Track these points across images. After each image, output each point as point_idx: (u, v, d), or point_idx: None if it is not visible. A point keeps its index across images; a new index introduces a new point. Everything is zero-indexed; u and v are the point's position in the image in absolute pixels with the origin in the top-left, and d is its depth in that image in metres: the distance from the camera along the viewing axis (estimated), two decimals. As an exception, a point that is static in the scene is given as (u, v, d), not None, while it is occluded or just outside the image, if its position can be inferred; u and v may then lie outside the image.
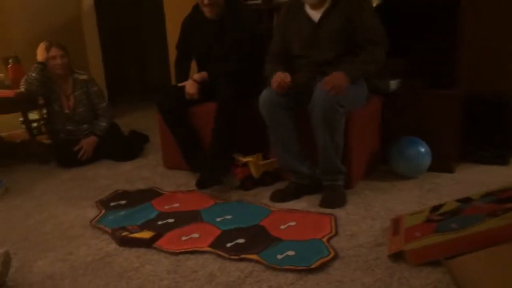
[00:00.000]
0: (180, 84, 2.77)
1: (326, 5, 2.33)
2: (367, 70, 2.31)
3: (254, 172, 2.54)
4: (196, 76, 2.71)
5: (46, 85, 3.21)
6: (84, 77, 3.34)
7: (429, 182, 2.49)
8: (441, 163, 2.59)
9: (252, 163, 2.53)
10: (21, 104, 3.30)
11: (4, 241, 2.07)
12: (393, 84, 2.68)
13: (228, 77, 2.63)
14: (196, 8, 2.76)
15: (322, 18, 2.34)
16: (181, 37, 2.90)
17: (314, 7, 2.35)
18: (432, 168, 2.57)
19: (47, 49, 3.16)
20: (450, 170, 2.61)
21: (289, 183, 2.45)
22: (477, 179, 2.51)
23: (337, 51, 2.33)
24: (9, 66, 3.35)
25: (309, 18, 2.38)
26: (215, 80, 2.68)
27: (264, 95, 2.36)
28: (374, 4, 2.78)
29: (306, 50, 2.40)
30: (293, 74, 2.35)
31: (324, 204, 2.26)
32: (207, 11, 2.65)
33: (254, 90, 2.75)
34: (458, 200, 1.89)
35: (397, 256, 1.70)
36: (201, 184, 2.56)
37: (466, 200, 1.86)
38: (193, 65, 2.95)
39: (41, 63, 3.15)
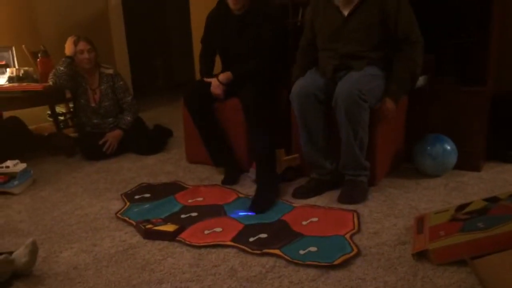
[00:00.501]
0: (206, 80, 2.77)
1: (356, 1, 2.29)
2: (413, 79, 2.30)
3: (277, 167, 2.53)
4: (221, 77, 2.71)
5: (74, 78, 3.27)
6: (110, 71, 3.39)
7: (455, 181, 2.44)
8: (468, 162, 2.54)
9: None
10: (49, 97, 3.37)
11: (31, 232, 2.12)
12: (420, 80, 2.63)
13: (253, 78, 2.63)
14: (221, 2, 2.76)
15: (352, 12, 2.30)
16: (206, 32, 2.91)
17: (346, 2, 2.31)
18: (458, 167, 2.53)
19: (75, 44, 3.22)
20: (476, 168, 2.56)
21: (310, 179, 2.44)
22: (504, 178, 2.45)
23: (365, 45, 2.30)
24: (38, 60, 3.41)
25: (339, 11, 2.34)
26: (240, 81, 2.67)
27: (297, 86, 2.34)
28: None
29: (332, 43, 2.37)
30: (321, 69, 2.34)
31: (342, 199, 2.24)
32: (231, 2, 2.64)
33: (278, 86, 2.75)
34: (485, 199, 1.85)
35: (421, 255, 1.68)
36: (226, 181, 2.56)
37: (493, 200, 1.82)
38: (217, 59, 2.96)
39: (69, 57, 3.21)
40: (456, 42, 2.66)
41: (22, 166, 2.74)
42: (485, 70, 2.54)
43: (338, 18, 2.34)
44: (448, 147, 2.45)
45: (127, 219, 2.18)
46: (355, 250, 1.75)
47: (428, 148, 2.46)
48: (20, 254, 1.71)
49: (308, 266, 1.68)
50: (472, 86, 2.53)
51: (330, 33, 2.37)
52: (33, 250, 1.73)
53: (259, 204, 2.24)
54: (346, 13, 2.32)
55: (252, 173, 2.58)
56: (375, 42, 2.30)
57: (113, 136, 3.27)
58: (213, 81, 2.73)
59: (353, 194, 2.24)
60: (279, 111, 2.71)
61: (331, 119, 2.33)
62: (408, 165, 2.64)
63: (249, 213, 2.17)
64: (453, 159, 2.48)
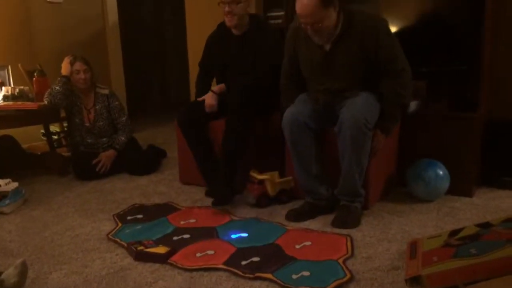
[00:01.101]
0: (199, 99, 2.79)
1: (337, 30, 2.23)
2: (403, 110, 2.32)
3: (270, 190, 2.54)
4: (215, 88, 2.75)
5: (69, 98, 3.28)
6: (106, 91, 3.40)
7: (447, 206, 2.45)
8: (460, 187, 2.56)
9: (269, 180, 2.53)
10: (43, 116, 3.37)
11: (20, 252, 2.09)
12: (413, 105, 2.66)
13: (243, 90, 2.65)
14: (221, 25, 2.80)
15: (333, 46, 2.26)
16: (205, 54, 2.95)
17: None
18: (451, 192, 2.54)
19: (72, 63, 3.24)
20: (469, 194, 2.57)
21: (304, 202, 2.43)
22: (496, 204, 2.46)
23: (352, 80, 2.29)
24: (34, 79, 3.42)
25: (319, 45, 2.29)
26: (230, 92, 2.70)
27: (288, 113, 2.35)
28: (395, 29, 2.79)
29: (318, 76, 2.36)
30: (311, 95, 2.36)
31: (336, 223, 2.24)
32: (227, 20, 2.69)
33: (272, 107, 2.77)
34: (477, 225, 1.86)
35: (414, 281, 1.67)
36: (216, 202, 2.56)
37: (485, 225, 1.82)
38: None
39: (65, 76, 3.22)
40: (448, 69, 2.70)
41: (14, 185, 2.72)
42: (477, 96, 2.58)
43: (319, 53, 2.30)
44: (441, 172, 2.47)
45: (118, 240, 2.16)
46: (348, 275, 1.74)
47: (421, 173, 2.47)
48: (9, 275, 1.68)
49: (301, 290, 1.66)
50: (464, 112, 2.56)
51: (313, 66, 2.35)
52: (23, 271, 1.71)
53: (219, 197, 2.51)
54: (327, 48, 2.28)
55: (246, 195, 2.57)
56: (361, 77, 2.29)
57: (106, 156, 3.26)
58: (208, 94, 2.75)
59: (347, 219, 2.24)
60: (273, 133, 2.71)
61: (326, 146, 2.34)
62: (401, 190, 2.65)
63: (242, 235, 2.16)
64: (445, 184, 2.49)
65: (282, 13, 3.25)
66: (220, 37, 2.83)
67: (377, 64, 2.25)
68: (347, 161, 2.22)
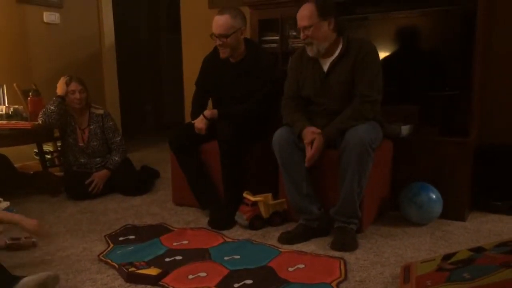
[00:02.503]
0: (193, 121, 2.81)
1: (336, 53, 2.37)
2: (346, 127, 2.29)
3: (264, 212, 2.53)
4: (207, 112, 2.76)
5: (63, 118, 3.28)
6: (100, 111, 3.41)
7: (440, 230, 2.45)
8: (453, 211, 2.57)
9: (262, 202, 2.52)
10: (37, 135, 3.36)
11: (11, 271, 2.05)
12: (405, 129, 2.70)
13: (233, 118, 2.67)
14: (217, 48, 2.83)
15: (330, 69, 2.39)
16: (201, 75, 2.97)
17: (324, 55, 2.39)
18: (444, 216, 2.55)
19: (67, 84, 3.25)
20: (461, 218, 2.58)
21: (297, 225, 2.43)
22: (489, 228, 2.47)
23: (346, 102, 2.36)
24: (28, 98, 3.43)
25: (319, 67, 2.42)
26: (221, 119, 2.71)
27: (278, 134, 2.39)
28: (387, 54, 2.84)
29: (319, 98, 2.44)
30: (310, 120, 2.39)
31: (335, 246, 2.23)
32: (220, 53, 2.72)
33: (265, 131, 2.79)
34: (470, 249, 1.86)
35: (407, 305, 1.67)
36: (215, 225, 2.57)
37: (478, 250, 1.83)
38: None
39: (60, 96, 3.23)
40: (440, 94, 2.74)
41: (5, 204, 2.69)
42: (469, 121, 2.62)
43: (319, 75, 2.41)
44: (433, 196, 2.48)
45: (109, 261, 2.13)
46: (341, 299, 1.73)
47: (414, 196, 2.48)
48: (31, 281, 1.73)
49: (294, 314, 1.65)
50: (456, 137, 2.59)
51: (314, 88, 2.43)
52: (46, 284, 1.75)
53: (218, 221, 2.56)
54: (325, 69, 2.40)
55: (239, 216, 2.56)
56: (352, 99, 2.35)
57: (99, 176, 3.25)
58: (199, 117, 2.76)
59: (346, 242, 2.24)
60: (266, 156, 2.73)
61: (317, 167, 2.36)
62: (394, 213, 2.65)
63: (235, 257, 2.15)
64: (438, 208, 2.50)
65: (277, 37, 3.30)
66: (215, 60, 2.84)
67: (357, 85, 2.32)
68: (348, 181, 2.23)
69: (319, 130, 2.31)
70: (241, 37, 2.71)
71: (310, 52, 2.38)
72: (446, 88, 2.72)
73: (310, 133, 2.31)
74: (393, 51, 2.88)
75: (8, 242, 2.33)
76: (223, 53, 2.72)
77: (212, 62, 2.88)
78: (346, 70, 2.34)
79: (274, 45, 3.33)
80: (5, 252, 2.28)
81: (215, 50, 2.84)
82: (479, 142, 2.73)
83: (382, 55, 2.56)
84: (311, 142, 2.29)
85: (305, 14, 2.31)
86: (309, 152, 2.29)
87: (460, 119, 2.68)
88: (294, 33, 3.22)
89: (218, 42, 2.68)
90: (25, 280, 1.77)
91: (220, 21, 2.64)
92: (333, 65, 2.38)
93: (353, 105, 2.32)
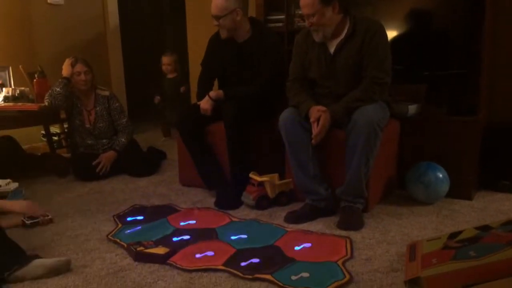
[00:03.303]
0: (199, 102, 2.80)
1: (342, 35, 2.32)
2: (354, 107, 2.26)
3: (270, 192, 2.54)
4: (212, 93, 2.75)
5: (69, 99, 3.29)
6: (106, 93, 3.41)
7: (447, 209, 2.45)
8: (460, 190, 2.56)
9: (268, 183, 2.53)
10: (44, 117, 3.38)
11: (21, 251, 2.09)
12: (412, 108, 2.67)
13: (238, 99, 2.66)
14: None
15: (337, 50, 2.34)
16: (206, 55, 2.95)
17: (331, 37, 2.34)
18: (450, 195, 2.55)
19: (73, 65, 3.25)
20: (468, 197, 2.57)
21: (304, 204, 2.44)
22: (496, 207, 2.47)
23: (351, 85, 2.33)
24: (34, 80, 3.43)
25: (326, 48, 2.38)
26: (227, 100, 2.71)
27: (284, 115, 2.38)
28: (395, 33, 2.80)
29: (325, 80, 2.41)
30: (316, 102, 2.37)
31: (342, 225, 2.24)
32: (220, 34, 2.72)
33: (272, 111, 2.78)
34: (477, 228, 1.86)
35: (413, 283, 1.67)
36: (222, 205, 2.58)
37: (485, 228, 1.83)
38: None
39: (66, 78, 3.23)
40: (448, 72, 2.71)
41: (14, 185, 2.72)
42: (477, 101, 2.59)
43: (326, 56, 2.37)
44: (440, 175, 2.47)
45: (118, 240, 2.16)
46: (348, 277, 1.74)
47: (421, 176, 2.48)
48: (39, 267, 1.79)
49: (300, 292, 1.67)
50: (464, 116, 2.57)
51: (320, 70, 2.40)
52: (58, 269, 1.82)
53: (225, 201, 2.58)
54: (332, 51, 2.35)
55: (245, 197, 2.58)
56: (359, 82, 2.32)
57: (106, 158, 3.26)
58: (205, 98, 2.75)
59: (352, 221, 2.25)
60: (273, 136, 2.72)
61: (324, 147, 2.35)
62: (400, 192, 2.65)
63: (241, 236, 2.16)
64: (445, 187, 2.50)
65: (282, 16, 3.26)
66: (221, 40, 2.81)
67: (364, 70, 2.29)
68: (356, 161, 2.22)
69: (325, 108, 2.29)
70: (237, 18, 2.66)
71: (316, 37, 2.34)
72: (454, 66, 2.69)
73: (316, 111, 2.29)
74: (400, 29, 2.84)
75: (27, 222, 2.37)
76: (222, 34, 2.72)
77: (217, 42, 2.85)
78: (354, 51, 2.30)
79: (280, 24, 3.28)
80: (16, 232, 2.31)
81: None
82: (488, 121, 2.70)
83: (390, 34, 2.52)
84: (317, 120, 2.27)
85: (307, 2, 2.25)
86: (315, 129, 2.27)
87: (468, 98, 2.65)
88: (300, 12, 3.17)
89: (214, 23, 2.67)
90: (37, 261, 1.80)
91: (215, 2, 2.64)
92: (339, 47, 2.33)
93: (361, 87, 2.29)
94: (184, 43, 4.33)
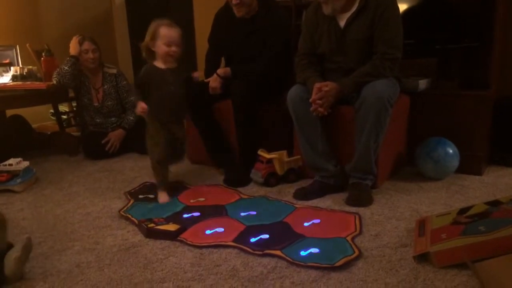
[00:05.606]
0: (206, 80, 2.79)
1: (353, 9, 2.27)
2: (363, 82, 2.22)
3: (279, 169, 2.54)
4: (220, 71, 2.73)
5: (77, 78, 3.29)
6: (114, 71, 3.41)
7: (457, 184, 2.45)
8: (470, 165, 2.55)
9: (277, 160, 2.53)
10: (52, 96, 3.38)
11: (33, 230, 2.12)
12: (422, 83, 2.64)
13: (247, 76, 2.63)
14: (229, 3, 2.76)
15: (347, 25, 2.30)
16: (213, 31, 2.92)
17: (341, 11, 2.30)
18: (460, 170, 2.54)
19: (80, 43, 3.24)
20: (478, 172, 2.56)
21: (313, 181, 2.44)
22: (506, 182, 2.46)
23: (361, 60, 2.28)
24: (42, 59, 3.43)
25: (336, 23, 2.33)
26: (235, 78, 2.68)
27: (292, 92, 2.36)
28: (405, 6, 2.74)
29: (334, 55, 2.37)
30: (324, 78, 2.34)
31: (351, 202, 2.25)
32: (235, 11, 2.66)
33: (280, 87, 2.76)
34: (486, 203, 1.86)
35: (422, 258, 1.68)
36: (231, 183, 2.59)
37: (495, 203, 1.82)
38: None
39: (73, 56, 3.23)
40: (459, 46, 2.66)
41: (25, 164, 2.75)
42: (488, 74, 2.55)
43: (336, 31, 2.33)
44: (450, 151, 2.46)
45: (130, 216, 2.19)
46: (357, 252, 1.75)
47: (430, 151, 2.47)
48: (13, 250, 1.67)
49: (310, 267, 1.68)
50: (475, 90, 2.53)
51: (330, 44, 2.36)
52: (27, 246, 1.70)
53: (233, 179, 2.59)
54: (342, 25, 2.31)
55: (254, 174, 2.58)
56: (369, 57, 2.28)
57: (115, 136, 3.28)
58: (213, 76, 2.74)
59: (361, 197, 2.25)
60: (281, 113, 2.71)
61: (332, 123, 2.34)
62: (410, 168, 2.65)
63: (251, 213, 2.18)
64: (455, 163, 2.48)
65: (291, -10, 3.21)
66: (227, 17, 2.77)
67: (375, 45, 2.24)
68: (365, 137, 2.21)
69: (331, 83, 2.26)
70: None
71: (326, 10, 2.29)
72: (465, 40, 2.64)
73: (322, 84, 2.24)
74: (411, 2, 2.78)
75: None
76: (239, 12, 2.65)
77: (224, 17, 2.82)
78: (364, 26, 2.25)
79: (288, -2, 3.23)
80: (27, 211, 2.35)
81: (227, 5, 2.77)
82: (499, 96, 2.66)
83: (400, 7, 2.47)
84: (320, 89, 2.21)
85: None
86: (314, 95, 2.21)
87: (479, 72, 2.61)
88: (308, -14, 3.12)
89: (233, 1, 2.61)
90: (8, 255, 1.67)
91: None
92: (350, 21, 2.29)
93: (372, 62, 2.25)
94: (191, 17, 4.28)
